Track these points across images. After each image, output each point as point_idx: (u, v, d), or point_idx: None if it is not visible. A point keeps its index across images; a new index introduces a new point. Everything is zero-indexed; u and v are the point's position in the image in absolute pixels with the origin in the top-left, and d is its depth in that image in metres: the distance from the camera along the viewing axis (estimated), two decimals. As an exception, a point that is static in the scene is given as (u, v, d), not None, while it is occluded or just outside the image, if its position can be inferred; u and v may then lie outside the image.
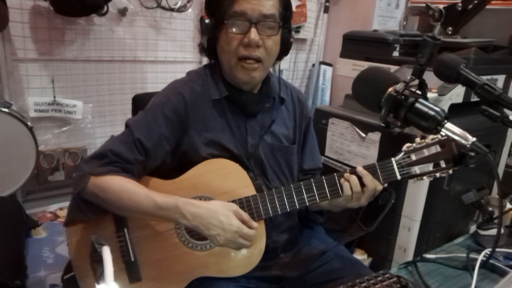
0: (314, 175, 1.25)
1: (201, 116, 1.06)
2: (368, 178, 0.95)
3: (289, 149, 1.16)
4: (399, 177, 0.95)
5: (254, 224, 0.96)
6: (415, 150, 0.93)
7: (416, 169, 0.94)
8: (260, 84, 1.11)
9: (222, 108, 1.07)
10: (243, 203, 0.99)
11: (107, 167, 0.97)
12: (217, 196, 1.02)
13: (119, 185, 0.96)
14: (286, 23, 1.07)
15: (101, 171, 0.97)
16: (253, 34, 0.98)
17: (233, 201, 1.00)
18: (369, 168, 0.96)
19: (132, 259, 1.02)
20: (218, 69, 1.09)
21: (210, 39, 1.05)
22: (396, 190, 1.74)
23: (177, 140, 1.05)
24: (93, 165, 0.98)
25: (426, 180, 0.95)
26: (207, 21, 1.04)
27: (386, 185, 0.98)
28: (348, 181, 0.96)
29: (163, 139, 1.03)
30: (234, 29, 1.00)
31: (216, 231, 0.92)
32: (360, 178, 0.96)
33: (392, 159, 0.95)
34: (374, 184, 0.95)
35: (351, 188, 0.96)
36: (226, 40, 1.01)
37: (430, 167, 0.93)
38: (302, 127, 1.20)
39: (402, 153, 0.94)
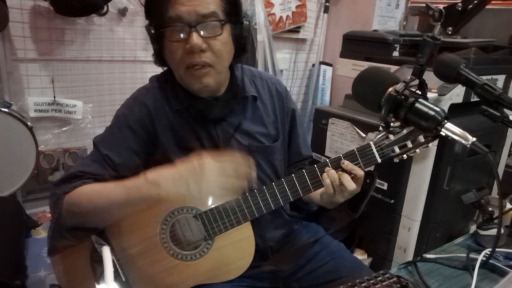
0: (304, 164, 1.23)
1: (169, 125, 1.03)
2: (345, 179, 0.93)
3: (269, 148, 1.11)
4: (379, 160, 0.94)
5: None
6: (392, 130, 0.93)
7: (396, 148, 0.93)
8: (225, 86, 1.06)
9: (186, 117, 1.03)
10: (227, 208, 0.98)
11: (79, 181, 0.95)
12: (200, 204, 1.00)
13: (88, 190, 0.93)
14: (234, 17, 0.97)
15: (74, 185, 0.94)
16: (194, 38, 0.90)
17: (216, 208, 0.98)
18: (349, 155, 0.94)
19: (123, 279, 1.00)
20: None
21: (156, 49, 0.99)
22: (396, 190, 1.75)
23: (147, 151, 1.02)
24: (65, 186, 0.95)
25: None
26: (149, 30, 0.97)
27: (371, 169, 0.97)
28: (328, 177, 0.94)
29: (132, 152, 1.00)
30: (174, 37, 0.92)
31: (185, 174, 0.86)
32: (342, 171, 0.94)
33: (371, 142, 0.94)
34: (351, 185, 0.93)
35: (332, 185, 0.94)
36: (169, 49, 0.95)
37: (409, 144, 0.92)
38: (285, 121, 1.15)
39: (380, 134, 0.94)
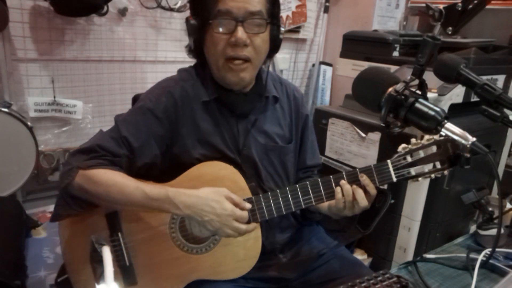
0: (313, 172, 1.24)
1: (192, 118, 1.05)
2: (359, 195, 0.94)
3: (283, 149, 1.14)
4: (395, 180, 0.94)
5: (247, 205, 0.96)
6: (410, 152, 0.93)
7: (412, 171, 0.93)
8: (253, 83, 1.09)
9: (212, 110, 1.06)
10: None
11: (95, 160, 0.96)
12: None
13: (108, 178, 0.94)
14: (274, 19, 1.03)
15: (89, 164, 0.95)
16: (240, 33, 0.95)
17: None
18: (365, 170, 0.95)
19: (127, 264, 1.01)
20: (207, 69, 1.07)
21: (197, 40, 1.02)
22: (396, 190, 1.75)
23: (167, 141, 1.04)
24: (80, 158, 0.97)
25: (422, 181, 0.95)
26: (192, 22, 1.01)
27: (385, 188, 0.98)
28: (341, 191, 0.95)
29: (152, 139, 1.01)
30: (220, 29, 0.97)
31: (209, 217, 0.92)
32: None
33: (388, 161, 0.95)
34: (364, 202, 0.94)
35: (344, 200, 0.95)
36: (212, 41, 0.99)
37: (425, 168, 0.93)
38: (298, 125, 1.18)
39: (398, 155, 0.94)
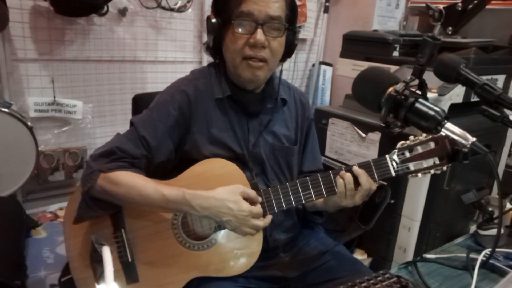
0: None
1: (204, 115, 1.07)
2: (363, 177, 0.96)
3: (289, 149, 1.16)
4: (393, 174, 0.96)
5: (259, 199, 0.98)
6: (408, 147, 0.94)
7: (410, 166, 0.95)
8: (264, 84, 1.12)
9: (224, 107, 1.08)
10: None
11: (116, 163, 0.98)
12: None
13: (128, 180, 0.97)
14: (291, 25, 1.07)
15: (110, 167, 0.97)
16: (259, 35, 0.99)
17: None
18: (364, 165, 0.97)
19: (130, 260, 1.02)
20: (222, 68, 1.10)
21: (216, 38, 1.05)
22: (396, 190, 1.75)
23: (180, 138, 1.06)
24: (101, 162, 0.99)
25: (422, 177, 0.95)
26: (213, 20, 1.04)
27: (385, 183, 0.98)
28: (342, 178, 0.97)
29: (168, 136, 1.04)
30: (240, 29, 1.00)
31: (227, 217, 0.94)
32: (355, 177, 0.96)
33: (386, 156, 0.96)
34: (368, 184, 0.96)
35: (345, 186, 0.96)
36: (232, 40, 1.02)
37: (424, 164, 0.93)
38: (303, 128, 1.21)
39: (396, 151, 0.95)
